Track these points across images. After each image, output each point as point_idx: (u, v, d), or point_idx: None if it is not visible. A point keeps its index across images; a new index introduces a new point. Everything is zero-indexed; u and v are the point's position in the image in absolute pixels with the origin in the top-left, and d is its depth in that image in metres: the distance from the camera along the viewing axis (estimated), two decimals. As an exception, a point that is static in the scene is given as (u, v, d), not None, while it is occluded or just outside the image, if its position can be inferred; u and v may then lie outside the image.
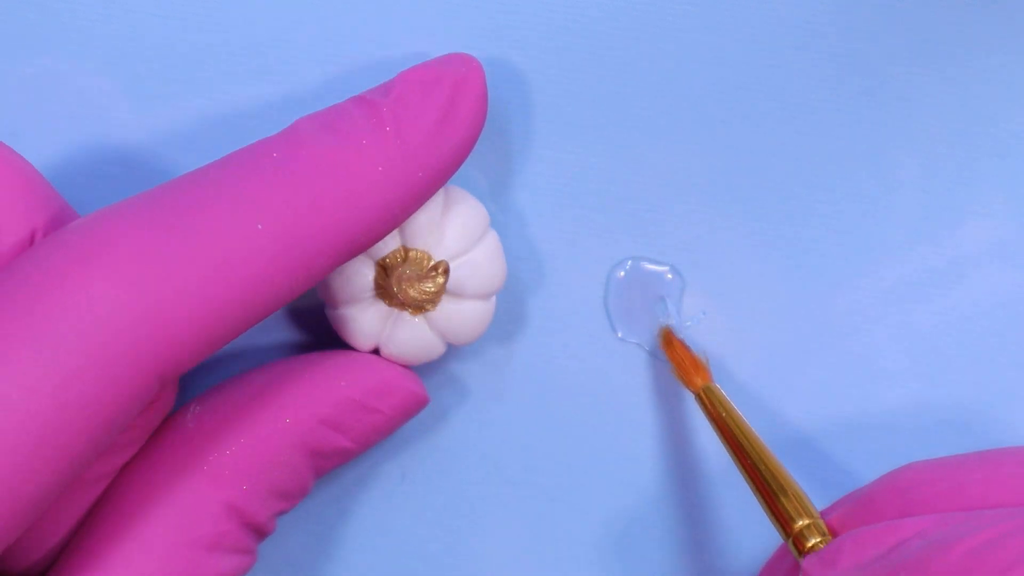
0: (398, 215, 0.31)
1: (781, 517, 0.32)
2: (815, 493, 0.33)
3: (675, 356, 0.35)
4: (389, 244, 0.33)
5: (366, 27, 0.35)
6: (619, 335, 0.36)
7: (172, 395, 0.32)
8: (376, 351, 0.34)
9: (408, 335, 0.33)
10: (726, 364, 0.36)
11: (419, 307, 0.33)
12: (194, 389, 0.35)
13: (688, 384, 0.35)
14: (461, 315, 0.33)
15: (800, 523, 0.31)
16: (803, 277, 0.36)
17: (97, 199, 0.30)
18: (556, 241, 0.36)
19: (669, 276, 0.36)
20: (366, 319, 0.33)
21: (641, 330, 0.36)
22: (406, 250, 0.33)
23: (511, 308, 0.36)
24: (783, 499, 0.32)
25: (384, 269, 0.33)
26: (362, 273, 0.33)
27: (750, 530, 0.36)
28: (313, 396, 0.33)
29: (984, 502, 0.29)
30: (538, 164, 0.35)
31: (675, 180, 0.36)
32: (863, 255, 0.36)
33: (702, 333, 0.36)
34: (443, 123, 0.31)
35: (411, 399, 0.34)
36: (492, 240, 0.34)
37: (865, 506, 0.31)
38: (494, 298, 0.34)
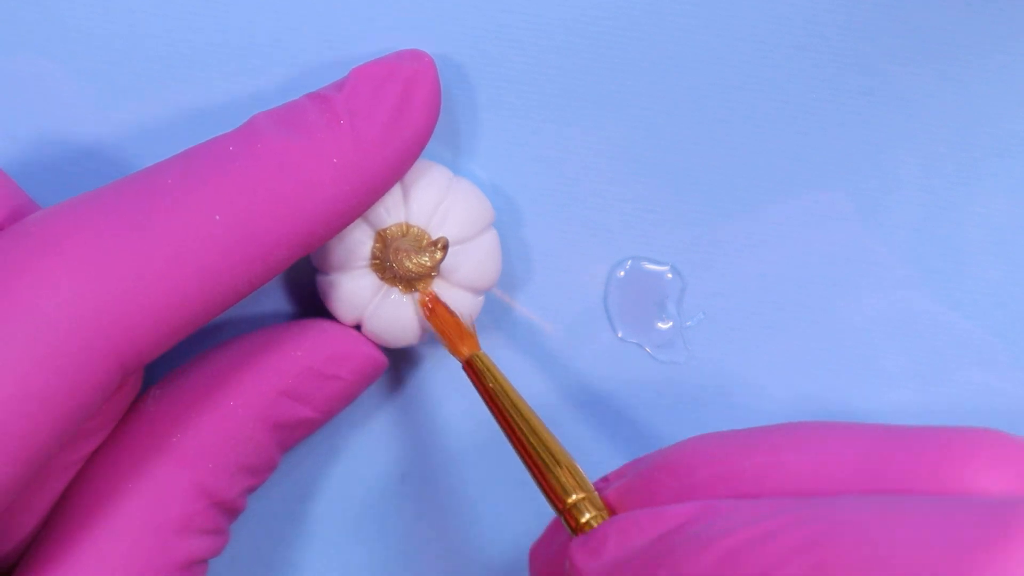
0: (355, 207, 0.31)
1: (552, 490, 0.30)
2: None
3: (439, 324, 0.33)
4: (393, 216, 0.33)
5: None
6: (619, 335, 0.36)
7: (138, 381, 0.32)
8: (357, 326, 0.34)
9: (392, 313, 0.33)
10: (726, 364, 0.36)
11: (411, 282, 0.33)
12: (161, 373, 0.35)
13: (454, 353, 0.33)
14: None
15: (574, 497, 0.30)
16: (803, 277, 0.36)
17: (60, 195, 0.30)
18: (556, 241, 0.36)
19: (669, 276, 0.36)
20: (355, 288, 0.33)
21: (641, 330, 0.36)
22: (408, 226, 0.33)
23: (511, 308, 0.36)
24: (556, 471, 0.30)
25: (383, 240, 0.33)
26: (361, 241, 0.33)
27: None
28: (271, 368, 0.33)
29: (758, 489, 0.28)
30: (538, 164, 0.35)
31: (675, 180, 0.36)
32: (863, 255, 0.36)
33: (702, 333, 0.36)
34: (397, 116, 0.31)
35: (369, 362, 0.34)
36: (492, 236, 0.34)
37: (643, 482, 0.30)
38: (483, 297, 0.34)
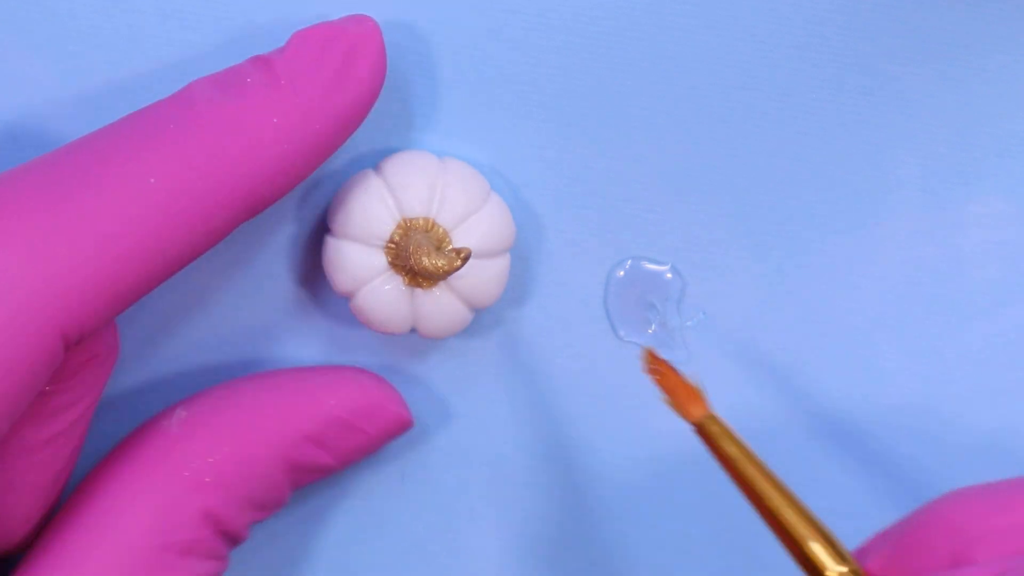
0: (299, 167, 0.30)
1: (811, 564, 0.28)
2: (814, 494, 0.32)
3: (666, 383, 0.32)
4: (422, 209, 0.33)
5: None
6: (619, 335, 0.36)
7: (113, 345, 0.32)
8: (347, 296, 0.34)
9: (389, 299, 0.34)
10: (726, 364, 0.36)
11: (417, 276, 0.33)
12: (182, 390, 0.35)
13: (683, 415, 0.31)
14: (479, 275, 0.34)
15: (837, 570, 0.28)
16: (803, 277, 0.36)
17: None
18: (556, 241, 0.36)
19: (669, 276, 0.36)
20: (363, 262, 0.33)
21: (641, 330, 0.36)
22: (434, 223, 0.33)
23: (511, 308, 0.36)
24: (812, 545, 0.28)
25: (406, 228, 0.33)
26: (384, 222, 0.33)
27: (751, 529, 0.36)
28: (299, 411, 0.33)
29: None
30: (538, 164, 0.35)
31: (675, 180, 0.36)
32: (863, 255, 0.36)
33: (702, 333, 0.36)
34: (339, 78, 0.31)
35: (395, 421, 0.34)
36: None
37: (910, 550, 0.28)
38: (508, 254, 0.34)
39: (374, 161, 0.34)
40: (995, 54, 0.35)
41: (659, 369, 0.32)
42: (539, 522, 0.37)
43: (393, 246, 0.33)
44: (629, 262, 0.36)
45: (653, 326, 0.36)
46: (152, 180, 0.28)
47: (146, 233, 0.28)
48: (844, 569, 0.28)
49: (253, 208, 0.30)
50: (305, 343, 0.36)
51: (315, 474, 0.34)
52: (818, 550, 0.28)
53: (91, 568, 0.30)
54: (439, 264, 0.32)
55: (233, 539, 0.33)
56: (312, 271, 0.36)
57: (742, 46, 0.35)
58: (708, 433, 0.30)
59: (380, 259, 0.33)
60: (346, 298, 0.34)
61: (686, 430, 0.37)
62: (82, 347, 0.31)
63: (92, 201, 0.28)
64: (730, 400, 0.35)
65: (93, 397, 0.32)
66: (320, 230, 0.35)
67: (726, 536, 0.37)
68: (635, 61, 0.35)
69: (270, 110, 0.30)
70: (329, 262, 0.34)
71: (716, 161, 0.35)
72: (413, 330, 0.34)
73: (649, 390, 0.36)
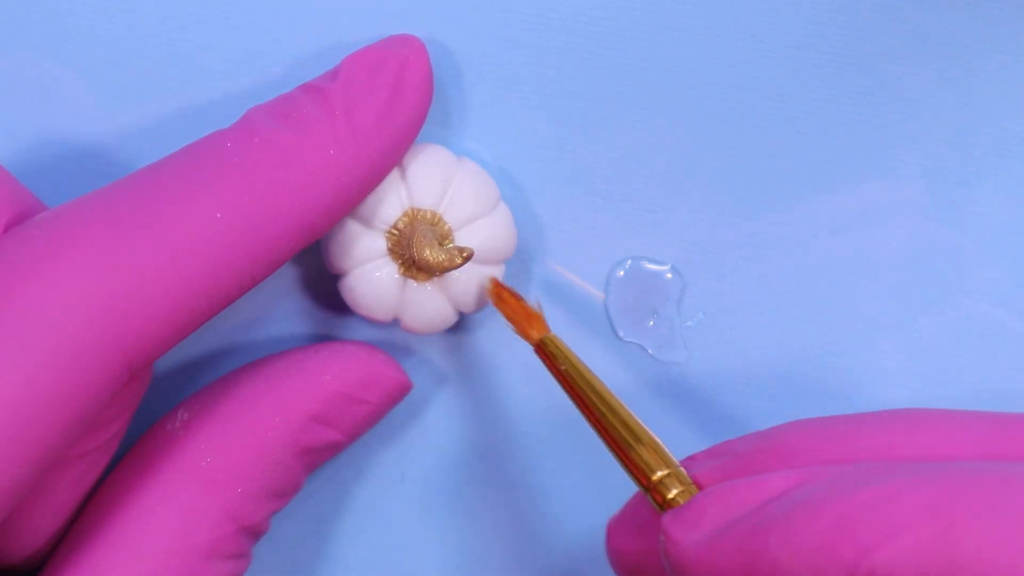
0: (353, 196, 0.31)
1: (636, 467, 0.29)
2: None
3: (507, 309, 0.33)
4: (425, 200, 0.33)
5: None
6: (619, 335, 0.36)
7: (147, 377, 0.32)
8: (395, 321, 0.34)
9: (422, 302, 0.34)
10: (726, 364, 0.36)
11: (428, 272, 0.33)
12: (182, 390, 0.35)
13: (524, 337, 0.33)
14: (473, 280, 0.34)
15: (659, 473, 0.29)
16: (803, 277, 0.36)
17: (62, 194, 0.30)
18: (556, 241, 0.36)
19: (669, 276, 0.36)
20: (380, 281, 0.33)
21: (641, 330, 0.36)
22: (433, 213, 0.33)
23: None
24: (638, 448, 0.29)
25: (412, 217, 0.33)
26: (374, 238, 0.33)
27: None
28: (301, 393, 0.33)
29: (874, 457, 0.27)
30: (538, 164, 0.35)
31: (675, 180, 0.36)
32: (863, 255, 0.36)
33: (702, 333, 0.36)
34: (391, 103, 0.31)
35: (395, 386, 0.34)
36: (503, 209, 0.34)
37: (741, 462, 0.29)
38: (503, 265, 0.34)
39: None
40: (995, 54, 0.35)
41: (502, 295, 0.33)
42: (538, 522, 0.37)
43: (396, 233, 0.33)
44: (629, 262, 0.36)
45: (655, 318, 0.36)
46: (218, 214, 0.29)
47: (210, 264, 0.29)
48: (667, 471, 0.29)
49: (310, 237, 0.31)
50: (293, 326, 0.36)
51: (326, 452, 0.34)
52: (644, 454, 0.29)
53: None
54: (440, 258, 0.32)
55: (255, 533, 0.33)
56: (306, 250, 0.36)
57: (742, 46, 0.35)
58: (545, 352, 0.32)
59: (380, 243, 0.33)
60: (336, 276, 0.34)
61: (687, 430, 0.37)
62: None
63: (160, 232, 0.29)
64: (730, 400, 0.35)
65: (130, 414, 0.32)
66: None
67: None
68: (635, 61, 0.35)
69: (327, 142, 0.30)
70: (328, 237, 0.34)
71: (716, 161, 0.35)
72: (395, 321, 0.34)
73: (648, 390, 0.36)
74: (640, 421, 0.30)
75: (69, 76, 0.34)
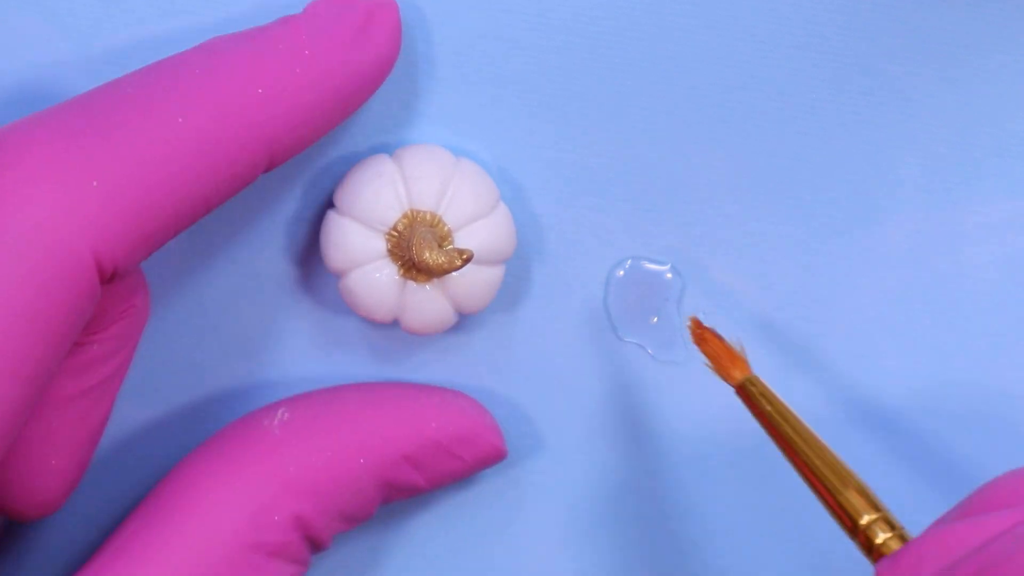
0: (317, 120, 0.31)
1: (843, 512, 0.29)
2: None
3: (709, 349, 0.33)
4: (425, 201, 0.33)
5: None
6: (619, 335, 0.36)
7: (146, 302, 0.32)
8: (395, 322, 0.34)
9: (422, 303, 0.34)
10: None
11: (428, 273, 0.33)
12: (166, 366, 0.35)
13: (726, 378, 0.33)
14: (473, 281, 0.34)
15: (867, 517, 0.29)
16: (803, 277, 0.36)
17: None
18: (556, 241, 0.36)
19: (669, 276, 0.36)
20: (380, 282, 0.33)
21: (641, 330, 0.36)
22: (432, 215, 0.33)
23: (511, 308, 0.36)
24: (846, 492, 0.29)
25: (411, 219, 0.33)
26: (374, 238, 0.33)
27: (753, 529, 0.36)
28: (402, 431, 0.33)
29: None
30: (538, 164, 0.35)
31: (675, 180, 0.36)
32: (863, 255, 0.36)
33: (702, 333, 0.36)
34: (357, 37, 0.32)
35: (492, 451, 0.34)
36: (503, 210, 0.34)
37: (957, 509, 0.28)
38: (503, 266, 0.34)
39: (373, 155, 0.34)
40: (995, 54, 0.35)
41: (703, 336, 0.33)
42: (538, 522, 0.37)
43: (396, 235, 0.33)
44: (629, 262, 0.36)
45: (655, 318, 0.36)
46: (181, 119, 0.29)
47: (175, 170, 0.29)
48: (875, 516, 0.28)
49: (273, 157, 0.31)
50: (295, 326, 0.36)
51: (405, 493, 0.34)
52: (852, 498, 0.29)
53: (179, 560, 0.31)
54: (440, 260, 0.32)
55: (317, 546, 0.33)
56: (308, 251, 0.36)
57: (742, 46, 0.35)
58: (748, 393, 0.32)
59: (380, 244, 0.33)
60: (336, 276, 0.34)
61: (687, 430, 0.37)
62: (117, 296, 0.31)
63: (123, 136, 0.29)
64: (730, 399, 0.35)
65: (126, 354, 0.32)
66: (320, 211, 0.35)
67: (725, 534, 0.37)
68: (635, 61, 0.35)
69: (291, 60, 0.31)
70: (327, 238, 0.34)
71: (716, 161, 0.35)
72: (395, 321, 0.34)
73: (648, 390, 0.36)
74: (846, 464, 0.30)
75: (70, 74, 0.34)
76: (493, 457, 0.35)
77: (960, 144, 0.35)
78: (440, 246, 0.33)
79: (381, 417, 0.33)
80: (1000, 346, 0.36)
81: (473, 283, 0.34)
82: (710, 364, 0.33)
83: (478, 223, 0.34)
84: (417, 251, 0.33)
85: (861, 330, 0.36)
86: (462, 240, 0.33)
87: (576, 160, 0.35)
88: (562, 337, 0.36)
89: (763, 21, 0.35)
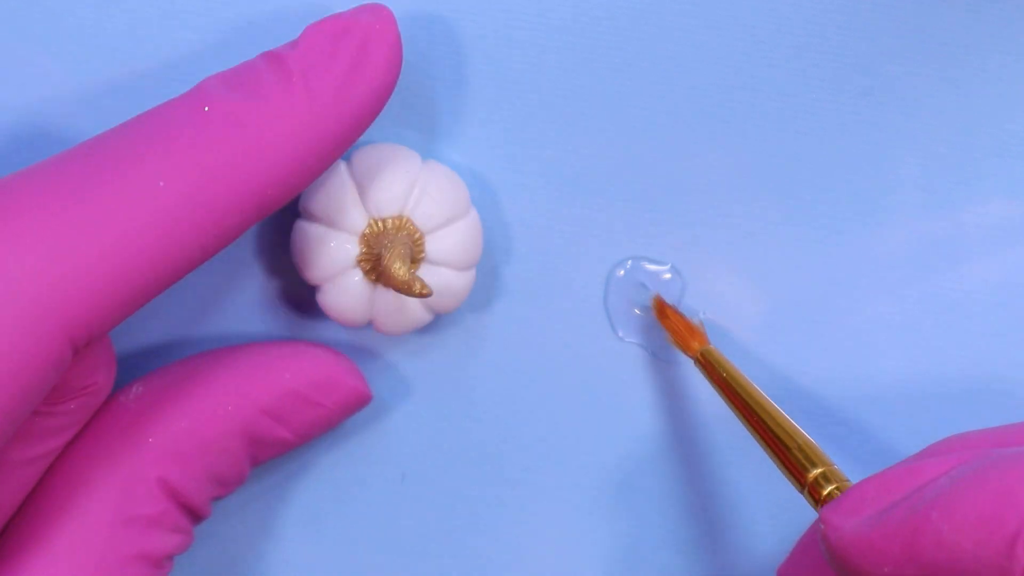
0: (313, 168, 0.30)
1: (793, 468, 0.31)
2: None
3: (669, 323, 0.35)
4: (392, 208, 0.33)
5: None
6: (619, 335, 0.36)
7: (109, 377, 0.32)
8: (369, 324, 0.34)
9: (393, 306, 0.34)
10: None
11: (387, 283, 0.33)
12: (138, 371, 0.35)
13: (685, 349, 0.34)
14: (442, 284, 0.34)
15: (814, 471, 0.30)
16: (803, 277, 0.36)
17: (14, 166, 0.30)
18: (556, 241, 0.36)
19: (669, 276, 0.36)
20: (351, 290, 0.33)
21: (641, 330, 0.36)
22: (409, 221, 0.33)
23: (511, 308, 0.36)
24: (794, 450, 0.31)
25: (375, 233, 0.33)
26: (344, 247, 0.33)
27: (754, 529, 0.36)
28: (256, 385, 0.33)
29: None
30: (538, 164, 0.35)
31: (675, 180, 0.36)
32: (863, 255, 0.36)
33: (702, 333, 0.36)
34: (353, 72, 0.30)
35: (353, 395, 0.34)
36: (474, 214, 0.34)
37: (897, 463, 0.29)
38: (474, 269, 0.34)
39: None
40: (995, 54, 0.35)
41: (665, 312, 0.35)
42: (538, 522, 0.37)
43: (367, 236, 0.33)
44: (629, 262, 0.36)
45: (636, 310, 0.36)
46: (162, 183, 0.28)
47: (156, 236, 0.28)
48: (821, 469, 0.30)
49: (263, 209, 0.30)
50: (265, 322, 0.36)
51: (274, 448, 0.34)
52: (800, 455, 0.31)
53: (59, 544, 0.31)
54: (404, 278, 0.32)
55: (195, 515, 0.33)
56: (278, 250, 0.36)
57: (742, 46, 0.35)
58: (705, 362, 0.34)
59: (350, 252, 0.33)
60: (309, 284, 0.34)
61: (687, 430, 0.37)
62: (84, 368, 0.30)
63: (102, 203, 0.28)
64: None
65: (78, 428, 0.32)
66: (290, 215, 0.35)
67: (724, 534, 0.37)
68: (635, 61, 0.35)
69: (284, 111, 0.29)
70: (298, 249, 0.33)
71: (716, 161, 0.35)
72: (369, 323, 0.34)
73: (648, 390, 0.36)
74: (796, 425, 0.31)
75: (68, 74, 0.34)
76: (356, 400, 0.34)
77: (960, 144, 0.35)
78: (414, 261, 0.33)
79: (233, 375, 0.33)
80: (1000, 346, 0.36)
81: (449, 288, 0.34)
82: (671, 338, 0.35)
83: (449, 228, 0.34)
84: (388, 260, 0.32)
85: (861, 330, 0.36)
86: (433, 245, 0.33)
87: (576, 160, 0.35)
88: (562, 337, 0.36)
89: (763, 21, 0.35)
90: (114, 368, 0.32)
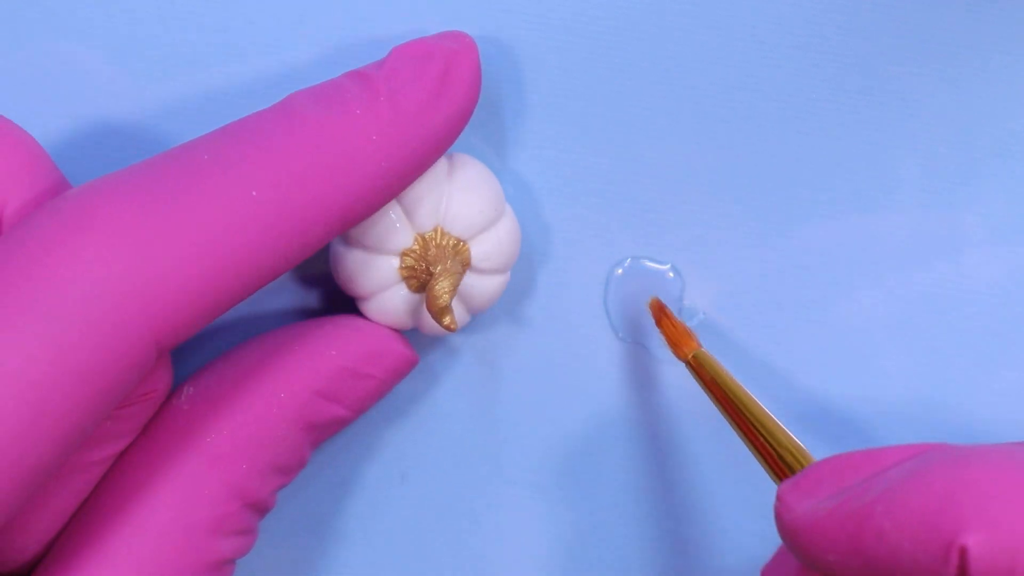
0: (393, 185, 0.31)
1: (780, 471, 0.31)
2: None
3: (666, 328, 0.35)
4: (428, 222, 0.33)
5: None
6: (619, 335, 0.36)
7: (167, 382, 0.32)
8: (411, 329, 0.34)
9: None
10: (726, 364, 0.36)
11: (427, 305, 0.33)
12: (188, 366, 0.35)
13: (677, 351, 0.34)
14: (480, 288, 0.34)
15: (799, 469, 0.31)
16: (803, 277, 0.36)
17: (96, 175, 0.30)
18: (556, 241, 0.36)
19: (669, 276, 0.36)
20: (397, 302, 0.33)
21: (641, 330, 0.36)
22: (457, 240, 0.33)
23: (512, 308, 0.36)
24: (779, 449, 0.31)
25: (424, 249, 0.33)
26: (390, 263, 0.33)
27: (753, 528, 0.36)
28: (305, 369, 0.33)
29: None
30: (538, 164, 0.35)
31: (675, 180, 0.36)
32: (863, 255, 0.36)
33: (702, 333, 0.36)
34: (437, 94, 0.31)
35: (401, 360, 0.34)
36: (510, 217, 0.34)
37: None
38: (509, 272, 0.35)
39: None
40: (995, 54, 0.35)
41: (662, 317, 0.35)
42: (538, 522, 0.37)
43: (412, 256, 0.33)
44: (629, 261, 0.36)
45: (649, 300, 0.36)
46: (254, 192, 0.28)
47: (243, 244, 0.28)
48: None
49: (347, 222, 0.30)
50: (293, 296, 0.36)
51: (331, 428, 0.33)
52: (785, 454, 0.31)
53: (118, 559, 0.30)
54: (441, 302, 0.32)
55: (261, 509, 0.33)
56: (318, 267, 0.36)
57: (742, 46, 0.35)
58: (697, 364, 0.34)
59: (393, 269, 0.33)
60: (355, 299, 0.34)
61: (687, 430, 0.37)
62: (146, 379, 0.31)
63: (192, 210, 0.28)
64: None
65: (135, 434, 0.32)
66: None
67: (725, 533, 0.37)
68: (635, 61, 0.35)
69: (369, 127, 0.30)
70: (340, 271, 0.34)
71: (716, 161, 0.35)
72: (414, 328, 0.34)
73: (648, 390, 0.36)
74: (785, 428, 0.32)
75: (102, 58, 0.34)
76: (405, 365, 0.34)
77: (960, 144, 0.35)
78: (459, 277, 0.33)
79: (282, 362, 0.33)
80: (1000, 346, 0.36)
81: (485, 290, 0.34)
82: (665, 339, 0.35)
83: (485, 234, 0.34)
84: (436, 278, 0.32)
85: (861, 330, 0.36)
86: (473, 249, 0.33)
87: (576, 160, 0.35)
88: (562, 337, 0.36)
89: (763, 21, 0.35)
90: (171, 375, 0.32)
